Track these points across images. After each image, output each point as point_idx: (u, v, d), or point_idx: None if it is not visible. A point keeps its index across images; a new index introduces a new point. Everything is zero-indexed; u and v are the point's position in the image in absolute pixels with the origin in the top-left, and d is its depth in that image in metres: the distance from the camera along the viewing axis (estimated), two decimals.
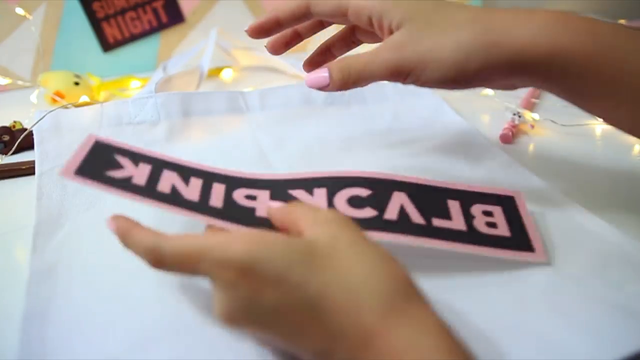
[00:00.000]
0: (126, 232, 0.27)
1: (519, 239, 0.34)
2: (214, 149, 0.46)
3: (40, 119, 0.45)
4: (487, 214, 0.35)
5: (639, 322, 0.29)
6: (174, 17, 0.70)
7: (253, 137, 0.48)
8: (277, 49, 0.40)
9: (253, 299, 0.24)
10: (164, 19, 0.69)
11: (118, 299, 0.30)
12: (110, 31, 0.68)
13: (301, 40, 0.40)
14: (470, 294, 0.31)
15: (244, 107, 0.52)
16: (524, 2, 0.86)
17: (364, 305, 0.23)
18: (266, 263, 0.24)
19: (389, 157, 0.46)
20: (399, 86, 0.57)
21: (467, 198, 0.36)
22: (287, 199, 0.34)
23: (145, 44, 0.70)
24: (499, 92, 0.59)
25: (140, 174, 0.30)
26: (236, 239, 0.25)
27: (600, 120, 0.52)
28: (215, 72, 0.68)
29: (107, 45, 0.68)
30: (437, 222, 0.33)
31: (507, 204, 0.36)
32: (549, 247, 0.34)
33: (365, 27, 0.36)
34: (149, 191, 0.30)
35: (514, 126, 0.51)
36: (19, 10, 0.61)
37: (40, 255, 0.33)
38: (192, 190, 0.32)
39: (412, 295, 0.24)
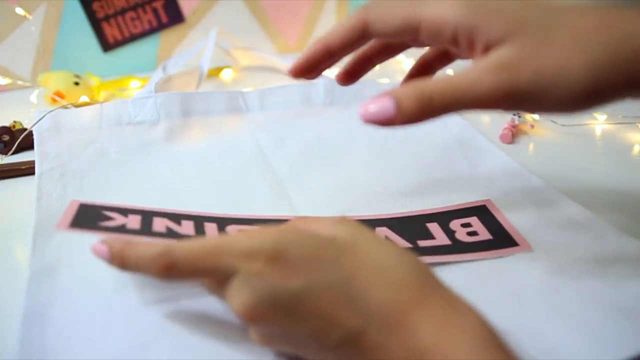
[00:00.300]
0: (124, 248, 0.26)
1: (501, 239, 0.35)
2: (213, 149, 0.46)
3: (40, 119, 0.45)
4: (466, 225, 0.37)
5: (639, 322, 0.29)
6: (174, 17, 0.70)
7: (253, 137, 0.48)
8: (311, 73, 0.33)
9: (281, 285, 0.23)
10: (164, 19, 0.69)
11: (118, 298, 0.30)
12: (110, 31, 0.68)
13: (334, 58, 0.32)
14: (469, 295, 0.31)
15: (244, 107, 0.52)
16: None
17: (400, 284, 0.23)
18: (296, 247, 0.24)
19: (389, 157, 0.46)
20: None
21: (443, 218, 0.38)
22: None
23: (145, 44, 0.70)
24: None
25: (132, 221, 0.30)
26: (258, 232, 0.25)
27: (600, 119, 0.53)
28: (215, 72, 0.68)
29: (107, 45, 0.68)
30: (422, 243, 0.35)
31: (481, 212, 0.38)
32: (548, 247, 0.35)
33: (443, 45, 0.29)
34: (144, 232, 0.30)
35: (514, 126, 0.51)
36: (19, 10, 0.61)
37: (40, 255, 0.33)
38: (186, 228, 0.32)
39: (437, 280, 0.25)
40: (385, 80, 0.59)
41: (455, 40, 0.28)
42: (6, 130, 0.49)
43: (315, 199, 0.40)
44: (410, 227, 0.37)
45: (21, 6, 0.62)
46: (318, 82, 0.55)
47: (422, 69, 0.36)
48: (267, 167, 0.44)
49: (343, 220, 0.27)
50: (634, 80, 0.25)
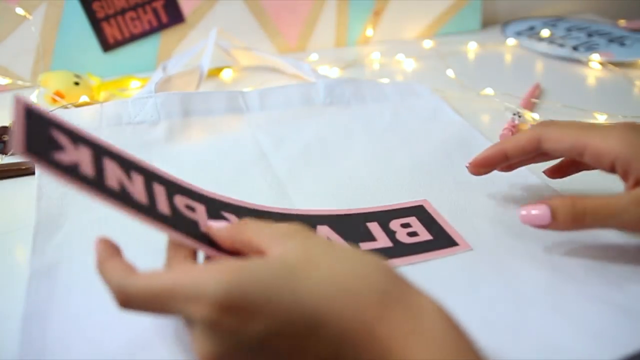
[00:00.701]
0: (101, 262, 0.26)
1: (441, 239, 0.36)
2: (213, 149, 0.46)
3: None
4: (405, 225, 0.37)
5: (639, 322, 0.29)
6: (174, 17, 0.70)
7: (253, 137, 0.48)
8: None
9: (242, 333, 0.22)
10: (164, 19, 0.69)
11: None
12: (110, 31, 0.68)
13: (508, 162, 0.38)
14: (469, 294, 0.31)
15: (244, 107, 0.52)
16: (524, 2, 0.86)
17: (361, 302, 0.23)
18: (249, 290, 0.22)
19: (389, 158, 0.46)
20: (398, 86, 0.57)
21: (383, 217, 0.38)
22: (221, 219, 0.32)
23: (145, 44, 0.70)
24: (499, 92, 0.58)
25: (84, 161, 0.27)
26: (208, 271, 0.23)
27: (600, 119, 0.53)
28: (215, 72, 0.68)
29: (107, 45, 0.68)
30: (364, 246, 0.35)
31: (419, 212, 0.39)
32: (548, 247, 0.35)
33: (602, 169, 0.34)
34: (98, 186, 0.27)
35: (514, 126, 0.51)
36: (19, 10, 0.61)
37: (40, 255, 0.33)
38: (137, 188, 0.29)
39: (402, 283, 0.24)
40: (385, 80, 0.60)
41: (612, 168, 0.32)
42: (6, 130, 0.50)
43: (315, 199, 0.40)
44: (351, 226, 0.37)
45: (21, 6, 0.62)
46: (318, 82, 0.55)
47: (570, 164, 0.39)
48: (267, 167, 0.44)
49: (290, 233, 0.26)
50: None
